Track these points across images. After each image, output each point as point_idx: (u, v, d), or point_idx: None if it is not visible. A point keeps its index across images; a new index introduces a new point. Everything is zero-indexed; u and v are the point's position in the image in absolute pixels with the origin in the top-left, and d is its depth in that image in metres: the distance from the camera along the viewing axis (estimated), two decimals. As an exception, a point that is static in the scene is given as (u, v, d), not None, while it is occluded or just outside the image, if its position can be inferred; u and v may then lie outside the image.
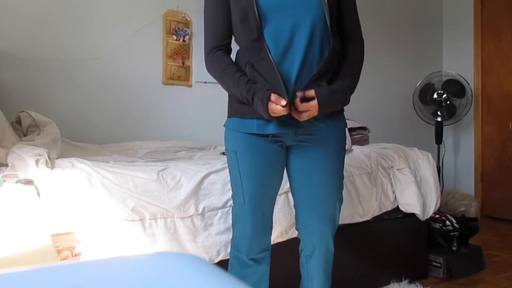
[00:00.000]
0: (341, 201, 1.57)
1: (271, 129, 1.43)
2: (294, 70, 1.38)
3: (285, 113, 1.35)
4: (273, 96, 1.33)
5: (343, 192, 1.61)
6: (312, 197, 1.52)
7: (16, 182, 1.45)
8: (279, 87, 1.35)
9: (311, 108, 1.36)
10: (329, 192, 1.52)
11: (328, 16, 1.38)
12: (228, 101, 1.54)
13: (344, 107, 1.51)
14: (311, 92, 1.35)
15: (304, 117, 1.37)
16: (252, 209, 1.48)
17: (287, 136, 1.46)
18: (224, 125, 1.55)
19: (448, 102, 3.88)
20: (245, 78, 1.39)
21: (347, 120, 1.57)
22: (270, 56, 1.36)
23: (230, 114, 1.53)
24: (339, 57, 1.47)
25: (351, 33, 1.51)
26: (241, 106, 1.46)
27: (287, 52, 1.38)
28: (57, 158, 1.77)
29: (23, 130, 2.12)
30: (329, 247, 1.56)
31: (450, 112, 3.91)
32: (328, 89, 1.37)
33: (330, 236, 1.55)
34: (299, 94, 1.35)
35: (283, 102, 1.32)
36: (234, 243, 1.55)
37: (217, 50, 1.47)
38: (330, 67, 1.42)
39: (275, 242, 1.86)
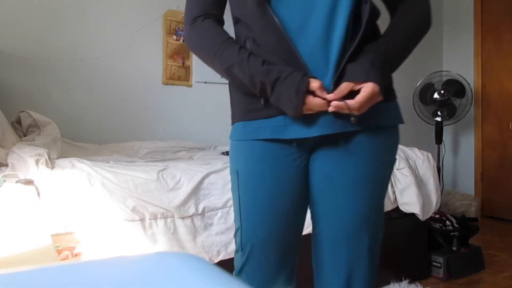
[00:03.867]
0: (381, 228, 1.08)
1: (294, 132, 0.97)
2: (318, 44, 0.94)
3: (324, 109, 0.93)
4: (315, 83, 0.91)
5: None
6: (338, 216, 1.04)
7: (16, 182, 1.45)
8: (299, 66, 0.93)
9: (373, 96, 0.94)
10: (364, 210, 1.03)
11: None
12: (230, 101, 1.10)
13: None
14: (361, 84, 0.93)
15: (365, 108, 0.94)
16: (258, 260, 1.03)
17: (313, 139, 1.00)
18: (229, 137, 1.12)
19: (448, 102, 3.88)
20: (258, 56, 0.95)
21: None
22: (279, 25, 0.92)
23: (233, 119, 1.08)
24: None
25: None
26: (245, 101, 1.02)
27: (306, 22, 0.94)
28: (57, 158, 1.77)
29: (23, 130, 2.12)
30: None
31: (450, 112, 3.91)
32: (370, 61, 0.95)
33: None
34: (347, 86, 0.92)
35: (327, 95, 0.92)
36: None
37: (204, 18, 1.03)
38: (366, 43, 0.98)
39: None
